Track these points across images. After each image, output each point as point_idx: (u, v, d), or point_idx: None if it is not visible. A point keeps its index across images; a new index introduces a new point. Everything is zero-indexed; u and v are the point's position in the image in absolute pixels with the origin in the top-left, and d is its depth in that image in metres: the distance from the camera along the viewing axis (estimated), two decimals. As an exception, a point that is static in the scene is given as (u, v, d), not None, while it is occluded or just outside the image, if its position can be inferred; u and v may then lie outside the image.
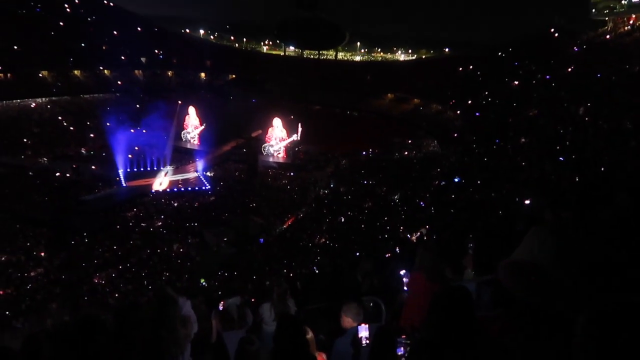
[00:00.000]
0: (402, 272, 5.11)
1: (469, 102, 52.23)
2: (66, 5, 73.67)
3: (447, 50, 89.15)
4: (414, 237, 16.33)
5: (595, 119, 27.35)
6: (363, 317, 4.08)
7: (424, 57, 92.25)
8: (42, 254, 25.31)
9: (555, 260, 1.83)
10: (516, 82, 49.35)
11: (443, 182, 31.40)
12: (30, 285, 21.99)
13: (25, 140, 44.62)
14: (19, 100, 55.08)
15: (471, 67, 61.87)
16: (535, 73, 47.50)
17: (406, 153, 47.41)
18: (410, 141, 50.71)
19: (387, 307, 4.85)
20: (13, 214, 29.73)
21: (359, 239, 24.98)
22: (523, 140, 31.71)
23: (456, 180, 29.46)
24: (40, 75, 60.95)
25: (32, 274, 23.20)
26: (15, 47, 59.50)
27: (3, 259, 24.16)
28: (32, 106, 55.66)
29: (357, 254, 20.09)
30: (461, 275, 4.80)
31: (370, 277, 6.11)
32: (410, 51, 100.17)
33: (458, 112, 53.94)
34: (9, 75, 57.49)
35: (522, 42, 60.29)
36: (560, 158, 23.42)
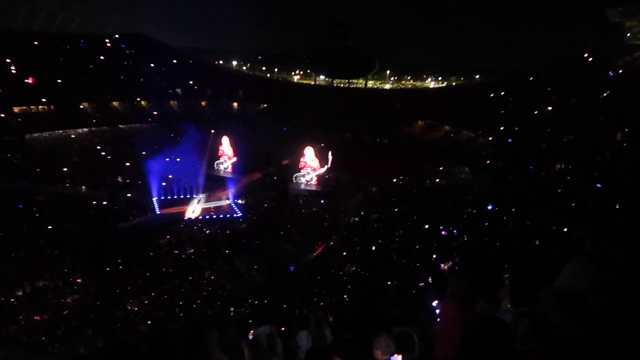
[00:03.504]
0: (435, 302, 5.00)
1: (501, 128, 51.53)
2: (107, 40, 77.28)
3: (477, 76, 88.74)
4: (446, 266, 15.98)
5: (633, 145, 26.51)
6: (394, 348, 3.99)
7: (454, 84, 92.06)
8: (79, 280, 25.86)
9: (597, 292, 1.77)
10: (550, 108, 48.51)
11: (475, 210, 30.79)
12: (67, 311, 22.42)
13: (65, 169, 46.29)
14: (61, 131, 57.57)
15: (503, 92, 61.27)
16: (569, 98, 46.65)
17: (437, 180, 46.85)
18: (441, 168, 50.17)
19: (420, 338, 4.73)
20: (52, 241, 30.61)
21: (390, 268, 24.60)
22: (558, 166, 30.95)
23: (489, 207, 28.86)
24: (82, 106, 63.71)
25: (69, 300, 23.68)
26: (59, 81, 62.56)
27: (41, 284, 24.81)
28: (72, 136, 58.02)
29: (389, 283, 19.78)
30: (497, 306, 4.65)
31: (401, 307, 6.00)
32: (440, 78, 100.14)
33: (490, 138, 53.24)
34: (52, 107, 60.30)
35: (555, 67, 59.56)
36: (598, 185, 22.72)
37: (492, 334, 2.52)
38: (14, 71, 61.19)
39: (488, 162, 44.91)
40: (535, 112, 49.76)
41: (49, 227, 32.89)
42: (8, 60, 61.37)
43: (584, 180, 24.79)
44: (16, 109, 57.22)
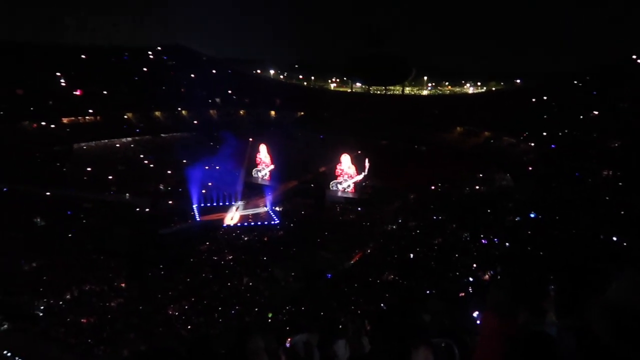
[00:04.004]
0: (476, 313, 4.86)
1: (544, 133, 50.00)
2: (149, 53, 79.96)
3: (518, 81, 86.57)
4: (487, 276, 15.60)
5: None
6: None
7: (494, 89, 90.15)
8: (122, 284, 26.65)
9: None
10: (596, 112, 46.73)
11: (518, 218, 29.92)
12: (111, 315, 23.12)
13: (110, 177, 47.97)
14: (106, 140, 59.83)
15: (545, 97, 59.52)
16: (618, 102, 44.82)
17: (477, 187, 45.83)
18: (481, 175, 49.05)
19: (460, 350, 4.60)
20: (97, 246, 31.71)
21: (429, 277, 24.18)
22: (606, 173, 29.73)
23: (532, 215, 27.99)
24: (126, 117, 66.04)
25: (113, 303, 24.42)
26: (105, 92, 65.12)
27: (87, 288, 25.71)
28: (117, 145, 60.18)
29: (427, 292, 19.46)
30: (541, 318, 4.47)
31: (441, 317, 5.86)
32: (479, 84, 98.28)
33: (532, 144, 51.74)
34: (98, 117, 62.79)
35: (601, 69, 57.39)
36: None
37: (537, 348, 2.42)
38: (63, 84, 64.15)
39: (530, 168, 43.62)
40: (581, 117, 48.05)
41: (95, 233, 34.11)
42: (58, 74, 64.40)
43: (633, 186, 23.69)
44: (65, 120, 59.93)
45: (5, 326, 21.72)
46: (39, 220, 35.99)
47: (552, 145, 44.84)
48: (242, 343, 3.90)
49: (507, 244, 25.63)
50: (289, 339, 5.43)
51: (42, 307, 23.44)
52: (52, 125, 58.10)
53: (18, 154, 48.95)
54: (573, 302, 3.50)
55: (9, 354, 18.85)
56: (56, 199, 39.72)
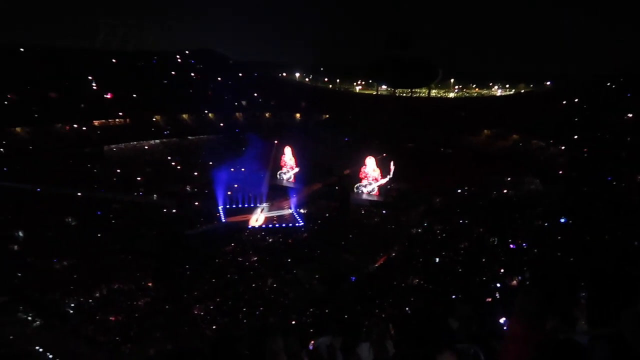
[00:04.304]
0: (502, 319, 4.75)
1: (575, 137, 48.79)
2: (177, 57, 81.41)
3: (548, 83, 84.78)
4: (515, 281, 15.28)
5: None
6: (459, 366, 3.82)
7: (522, 91, 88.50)
8: (150, 284, 27.12)
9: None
10: (629, 115, 45.36)
11: (547, 223, 29.25)
12: (138, 314, 23.55)
13: (138, 178, 48.91)
14: (135, 142, 61.09)
15: (576, 99, 58.10)
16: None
17: (505, 191, 44.94)
18: (509, 179, 48.10)
19: (487, 357, 4.50)
20: (125, 246, 32.37)
21: (455, 281, 23.85)
22: (638, 177, 28.83)
23: (562, 220, 27.33)
24: (154, 119, 67.31)
25: (140, 303, 24.87)
26: (134, 95, 66.54)
27: (116, 287, 26.26)
28: (145, 147, 61.37)
29: (453, 296, 19.19)
30: (572, 326, 4.34)
31: (468, 323, 5.75)
32: (507, 86, 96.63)
33: (562, 147, 50.55)
34: (127, 120, 64.17)
35: (634, 72, 55.70)
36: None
37: (566, 357, 2.34)
38: (94, 87, 65.82)
39: (560, 172, 42.60)
40: (613, 119, 46.72)
41: (124, 233, 34.83)
42: (89, 78, 66.12)
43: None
44: (96, 122, 61.41)
45: (38, 323, 22.37)
46: (70, 220, 36.94)
47: (584, 149, 43.71)
48: (262, 343, 3.90)
49: (535, 249, 25.07)
50: (312, 342, 5.41)
51: (72, 305, 24.03)
52: (84, 128, 59.63)
53: (51, 156, 50.42)
54: (605, 310, 3.38)
55: (40, 350, 19.39)
56: (87, 200, 40.73)
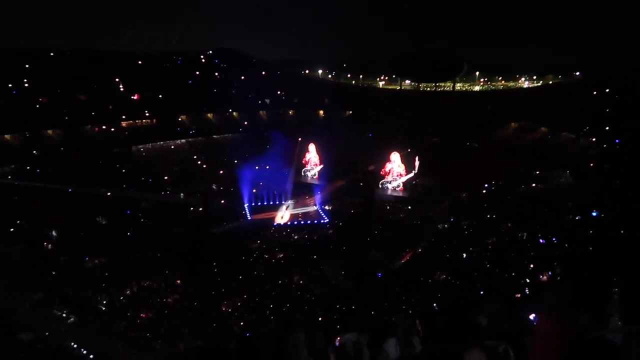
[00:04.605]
0: (532, 315, 4.65)
1: (606, 128, 47.40)
2: (202, 57, 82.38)
3: (577, 74, 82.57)
4: (544, 277, 14.96)
5: None
6: (488, 363, 3.75)
7: (551, 82, 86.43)
8: (178, 282, 27.57)
9: None
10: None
11: (578, 217, 28.54)
12: (168, 311, 23.97)
13: (165, 177, 49.76)
14: (161, 142, 62.15)
15: (607, 90, 56.39)
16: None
17: (533, 185, 44.01)
18: (537, 172, 47.06)
19: (518, 354, 4.43)
20: (154, 244, 32.98)
21: (483, 277, 23.50)
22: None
23: (594, 214, 26.61)
24: (180, 119, 68.33)
25: (170, 300, 25.32)
26: (160, 96, 67.66)
27: (146, 284, 26.79)
28: (172, 147, 62.39)
29: (481, 292, 18.92)
30: (604, 323, 4.22)
31: (497, 319, 5.65)
32: (535, 77, 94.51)
33: (593, 139, 49.20)
34: (154, 120, 65.33)
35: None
36: None
37: (597, 355, 2.27)
38: (121, 89, 67.21)
39: (592, 164, 41.47)
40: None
41: (152, 232, 35.49)
42: (117, 80, 67.53)
43: None
44: (124, 123, 62.71)
45: (72, 319, 23.02)
46: (101, 219, 37.84)
47: (616, 140, 42.41)
48: (284, 338, 3.92)
49: (566, 244, 24.50)
50: (338, 338, 5.40)
51: (104, 302, 24.63)
52: (112, 129, 60.98)
53: (81, 157, 51.73)
54: (640, 306, 3.28)
55: (75, 346, 19.95)
56: (116, 199, 41.65)
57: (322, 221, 40.17)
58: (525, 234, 29.54)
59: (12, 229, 34.61)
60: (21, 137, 53.15)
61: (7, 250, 30.67)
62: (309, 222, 40.13)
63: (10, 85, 57.80)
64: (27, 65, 61.91)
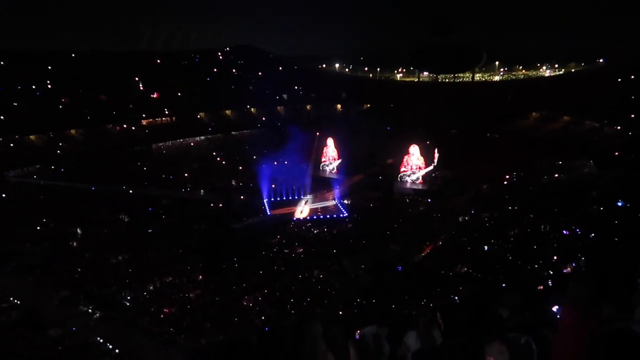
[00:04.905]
0: (555, 307, 4.56)
1: (632, 116, 46.23)
2: (219, 54, 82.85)
3: (601, 61, 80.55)
4: (568, 268, 14.70)
5: None
6: (508, 356, 3.70)
7: (573, 70, 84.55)
8: (200, 277, 27.90)
9: None
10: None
11: (602, 207, 27.94)
12: (190, 306, 24.29)
13: (185, 174, 50.33)
14: (181, 140, 62.84)
15: (632, 76, 54.94)
16: None
17: (556, 176, 43.19)
18: (560, 162, 46.14)
19: (541, 346, 4.35)
20: (176, 241, 33.41)
21: (505, 269, 23.20)
22: None
23: (619, 204, 26.02)
24: (199, 116, 68.95)
25: (192, 295, 25.64)
26: (179, 94, 68.34)
27: (168, 280, 27.18)
28: (191, 144, 63.02)
29: (503, 285, 18.70)
30: (629, 314, 4.13)
31: (519, 312, 5.58)
32: (557, 66, 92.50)
33: (618, 128, 48.04)
34: (173, 118, 66.05)
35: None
36: None
37: (622, 346, 2.21)
38: (141, 88, 68.08)
39: (616, 153, 40.53)
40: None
41: (173, 228, 35.96)
42: (136, 79, 68.41)
43: None
44: (144, 122, 63.54)
45: (97, 315, 23.51)
46: (123, 217, 38.49)
47: (642, 128, 41.43)
48: (302, 329, 3.92)
49: (590, 235, 24.01)
50: (358, 331, 5.40)
51: (128, 298, 25.08)
52: (133, 128, 61.86)
53: (103, 156, 52.64)
54: (667, 297, 3.20)
55: (101, 341, 20.37)
56: (138, 197, 42.30)
57: (341, 215, 40.20)
58: (547, 225, 29.04)
59: (38, 228, 35.46)
60: (45, 138, 54.29)
61: (34, 249, 31.45)
62: (328, 216, 40.19)
63: (33, 87, 59.04)
64: (49, 67, 63.12)
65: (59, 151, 52.83)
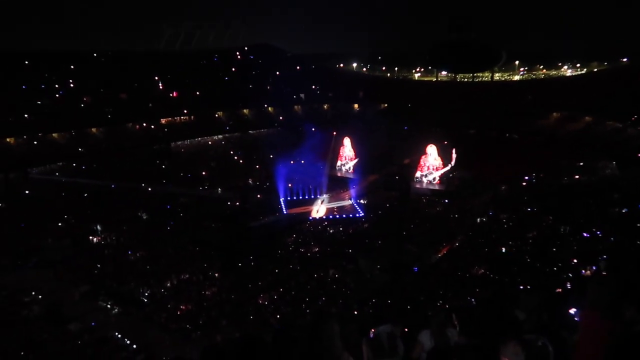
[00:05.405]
0: (573, 310, 4.51)
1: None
2: (237, 53, 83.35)
3: (625, 60, 78.94)
4: (588, 271, 14.46)
5: None
6: (524, 357, 3.67)
7: (595, 70, 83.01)
8: (217, 275, 28.14)
9: None
10: None
11: (625, 209, 27.40)
12: (206, 303, 24.51)
13: (203, 173, 50.79)
14: (199, 138, 63.42)
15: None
16: None
17: (577, 177, 42.46)
18: (581, 164, 45.32)
19: (558, 348, 4.31)
20: (193, 238, 33.76)
21: (523, 272, 22.91)
22: None
23: (642, 206, 25.52)
24: (217, 115, 69.48)
25: (208, 292, 25.87)
26: (197, 93, 68.97)
27: (185, 277, 27.47)
28: (209, 143, 63.56)
29: (521, 287, 18.47)
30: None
31: (536, 314, 5.53)
32: (578, 65, 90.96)
33: (641, 128, 47.08)
34: (192, 117, 66.70)
35: None
36: None
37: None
38: (160, 87, 68.89)
39: (639, 155, 39.70)
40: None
41: (191, 226, 36.33)
42: (156, 78, 69.25)
43: None
44: (163, 121, 64.29)
45: (116, 311, 23.90)
46: (142, 214, 39.02)
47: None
48: (318, 328, 3.94)
49: (612, 237, 23.57)
50: (372, 330, 5.40)
51: (146, 294, 25.42)
52: (152, 126, 62.63)
53: (124, 154, 53.44)
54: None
55: (119, 336, 20.71)
56: (157, 195, 42.84)
57: (357, 215, 40.13)
58: (567, 227, 28.57)
59: (59, 224, 36.18)
60: (67, 136, 55.33)
61: (56, 245, 32.09)
62: (344, 216, 40.16)
63: (56, 86, 60.22)
64: (71, 67, 64.32)
65: (80, 149, 53.76)
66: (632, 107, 49.18)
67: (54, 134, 54.47)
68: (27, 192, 42.20)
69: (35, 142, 51.98)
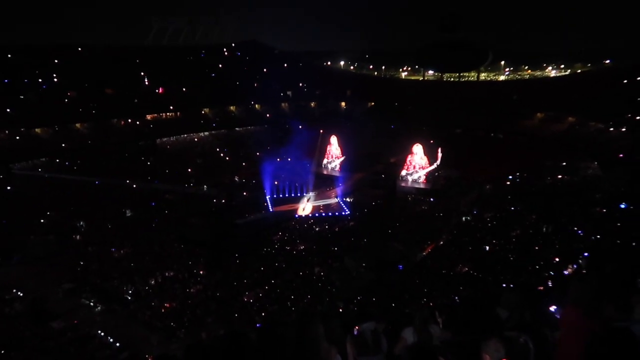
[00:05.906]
0: (553, 307, 4.59)
1: (637, 117, 46.01)
2: (225, 50, 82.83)
3: (607, 62, 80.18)
4: (569, 269, 14.70)
5: None
6: (504, 353, 3.73)
7: (579, 71, 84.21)
8: (202, 272, 28.00)
9: None
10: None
11: (605, 209, 27.87)
12: (191, 301, 24.39)
13: (189, 169, 50.44)
14: (185, 135, 62.96)
15: (639, 78, 54.63)
16: None
17: (560, 177, 43.07)
18: (564, 164, 46.00)
19: (538, 345, 4.38)
20: (179, 236, 33.53)
21: (506, 270, 23.20)
22: None
23: (622, 206, 25.96)
24: (203, 112, 69.04)
25: (193, 290, 25.74)
26: (184, 89, 68.44)
27: (170, 275, 27.29)
28: (195, 140, 63.15)
29: (504, 285, 18.72)
30: (628, 314, 4.15)
31: (518, 311, 5.60)
32: (562, 66, 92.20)
33: (623, 129, 47.84)
34: (178, 113, 66.18)
35: None
36: None
37: (620, 346, 2.23)
38: (146, 83, 68.20)
39: (621, 155, 40.37)
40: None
41: (176, 223, 36.09)
42: (142, 74, 68.53)
43: None
44: (149, 117, 63.72)
45: (99, 308, 23.67)
46: (127, 211, 38.64)
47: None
48: (303, 330, 3.95)
49: (592, 236, 23.98)
50: (356, 327, 5.43)
51: (130, 292, 25.21)
52: (138, 122, 62.01)
53: (108, 150, 52.86)
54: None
55: (102, 334, 20.52)
56: (142, 191, 42.45)
57: (343, 213, 40.20)
58: (550, 226, 28.98)
59: (42, 220, 35.67)
60: (51, 131, 54.55)
61: (39, 241, 31.64)
62: (330, 214, 40.21)
63: (40, 80, 59.27)
64: (56, 61, 63.35)
65: (64, 145, 53.03)
66: (615, 108, 49.98)
67: (37, 129, 53.68)
68: (9, 188, 41.50)
69: (17, 137, 51.16)
